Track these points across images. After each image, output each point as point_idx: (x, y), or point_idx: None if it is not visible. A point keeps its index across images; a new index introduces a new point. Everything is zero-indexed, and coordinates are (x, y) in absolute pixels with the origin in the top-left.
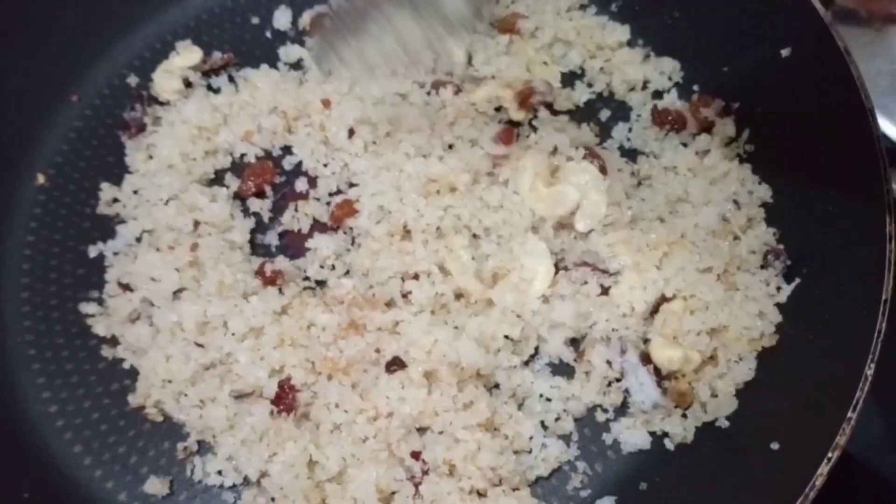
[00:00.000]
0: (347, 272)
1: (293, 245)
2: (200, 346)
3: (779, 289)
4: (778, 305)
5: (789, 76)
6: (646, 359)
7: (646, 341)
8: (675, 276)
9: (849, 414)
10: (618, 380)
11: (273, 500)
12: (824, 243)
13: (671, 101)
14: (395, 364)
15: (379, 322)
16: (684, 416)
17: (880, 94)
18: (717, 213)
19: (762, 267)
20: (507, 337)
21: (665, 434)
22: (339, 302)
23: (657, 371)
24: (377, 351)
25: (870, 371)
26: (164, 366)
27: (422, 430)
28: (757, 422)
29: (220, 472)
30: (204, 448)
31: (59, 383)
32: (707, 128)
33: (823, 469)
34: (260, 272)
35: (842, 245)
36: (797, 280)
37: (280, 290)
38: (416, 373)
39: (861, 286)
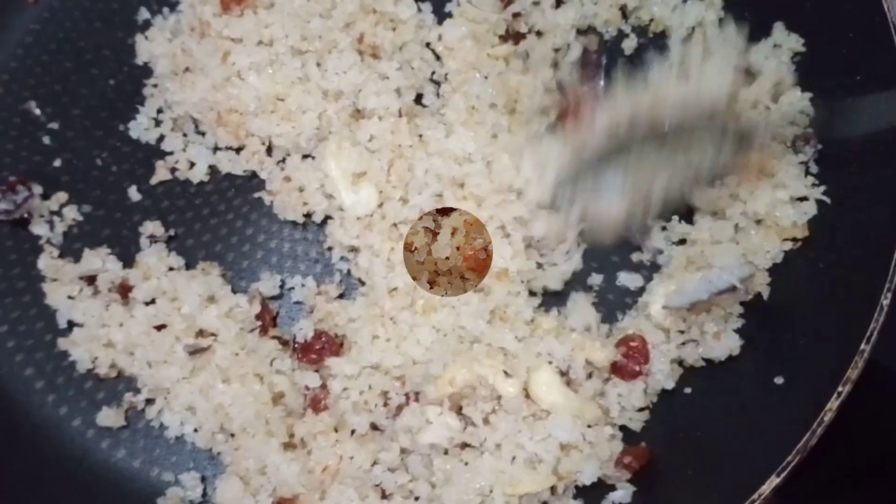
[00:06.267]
0: None
1: None
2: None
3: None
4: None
5: None
6: None
7: None
8: None
9: (862, 346)
10: None
11: (233, 435)
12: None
13: None
14: None
15: None
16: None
17: None
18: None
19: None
20: None
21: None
22: None
23: None
24: None
25: (885, 301)
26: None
27: None
28: (759, 355)
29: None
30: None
31: (10, 302)
32: None
33: (833, 404)
34: None
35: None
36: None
37: None
38: None
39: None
